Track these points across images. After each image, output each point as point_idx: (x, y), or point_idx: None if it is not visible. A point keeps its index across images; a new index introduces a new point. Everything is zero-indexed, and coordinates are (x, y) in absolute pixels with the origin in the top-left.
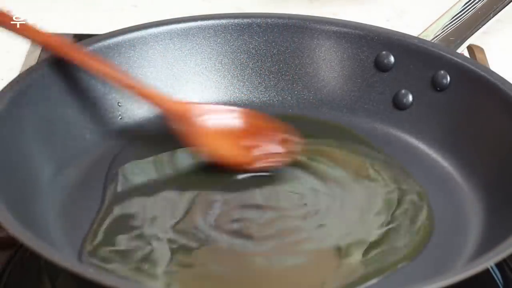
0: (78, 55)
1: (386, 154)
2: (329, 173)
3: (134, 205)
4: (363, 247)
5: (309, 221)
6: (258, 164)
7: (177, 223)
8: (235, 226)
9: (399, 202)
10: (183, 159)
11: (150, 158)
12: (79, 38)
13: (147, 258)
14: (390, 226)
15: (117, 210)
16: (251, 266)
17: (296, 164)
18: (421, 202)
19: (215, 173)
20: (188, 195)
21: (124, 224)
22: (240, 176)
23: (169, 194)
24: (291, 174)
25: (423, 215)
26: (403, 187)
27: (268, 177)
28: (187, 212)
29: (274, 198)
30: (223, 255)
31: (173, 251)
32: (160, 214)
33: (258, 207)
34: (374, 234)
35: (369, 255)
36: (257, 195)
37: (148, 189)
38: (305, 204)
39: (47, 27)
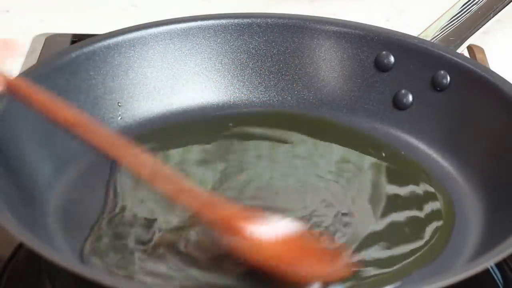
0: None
1: (387, 154)
2: (329, 173)
3: (135, 206)
4: (371, 251)
5: (312, 221)
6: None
7: (178, 223)
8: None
9: (404, 202)
10: (183, 159)
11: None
12: (79, 38)
13: (148, 259)
14: (399, 229)
15: (118, 211)
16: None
17: (296, 166)
18: (429, 201)
19: (215, 174)
20: None
21: (125, 224)
22: (240, 177)
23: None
24: (292, 176)
25: (433, 216)
26: (407, 187)
27: (268, 178)
28: (188, 212)
29: (275, 199)
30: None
31: (174, 252)
32: (162, 214)
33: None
34: (381, 236)
35: (379, 260)
36: (258, 196)
37: (149, 189)
38: (307, 205)
39: (47, 27)
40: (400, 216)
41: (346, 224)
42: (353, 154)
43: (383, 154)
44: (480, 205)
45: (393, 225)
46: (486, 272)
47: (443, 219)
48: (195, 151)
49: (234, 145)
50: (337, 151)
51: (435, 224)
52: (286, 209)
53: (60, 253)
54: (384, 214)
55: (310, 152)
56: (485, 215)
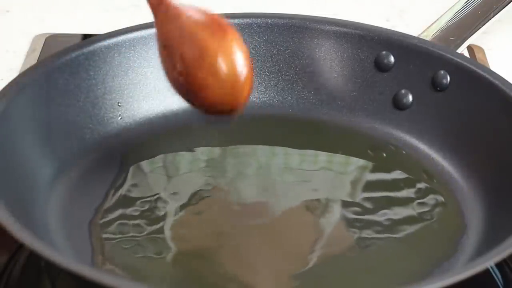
0: None
1: (387, 154)
2: (331, 172)
3: (135, 206)
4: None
5: (321, 218)
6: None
7: (176, 223)
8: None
9: (404, 202)
10: (184, 160)
11: (151, 159)
12: (79, 38)
13: (149, 259)
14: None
15: (118, 210)
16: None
17: (296, 165)
18: (429, 201)
19: (216, 174)
20: (187, 195)
21: (124, 224)
22: (240, 177)
23: (168, 195)
24: (294, 176)
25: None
26: (408, 186)
27: (268, 179)
28: (187, 212)
29: (275, 207)
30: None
31: (175, 252)
32: (162, 213)
33: (260, 212)
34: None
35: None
36: (262, 196)
37: (149, 190)
38: (311, 204)
39: (47, 27)
40: (399, 215)
41: (351, 219)
42: (353, 154)
43: (384, 154)
44: (480, 205)
45: (393, 224)
46: (486, 272)
47: (443, 219)
48: (196, 151)
49: (235, 145)
50: (337, 151)
51: (434, 225)
52: (292, 209)
53: (60, 253)
54: (384, 213)
55: (310, 152)
56: (485, 215)
